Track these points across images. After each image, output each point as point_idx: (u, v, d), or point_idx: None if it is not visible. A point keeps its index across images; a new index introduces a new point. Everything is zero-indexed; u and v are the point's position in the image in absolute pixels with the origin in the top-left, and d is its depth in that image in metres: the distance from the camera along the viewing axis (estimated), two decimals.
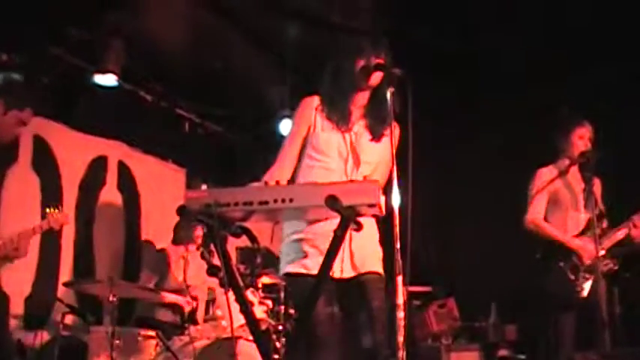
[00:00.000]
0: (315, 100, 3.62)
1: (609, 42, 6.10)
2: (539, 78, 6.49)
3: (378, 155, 3.57)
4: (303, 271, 3.42)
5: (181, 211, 2.88)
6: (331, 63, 3.63)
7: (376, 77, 3.48)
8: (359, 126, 3.60)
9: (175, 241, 6.23)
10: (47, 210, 4.67)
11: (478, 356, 6.44)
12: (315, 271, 3.26)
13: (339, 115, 3.55)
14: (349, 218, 2.83)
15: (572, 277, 4.99)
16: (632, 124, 6.11)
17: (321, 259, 3.04)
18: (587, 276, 4.96)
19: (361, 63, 3.49)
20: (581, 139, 5.17)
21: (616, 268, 4.94)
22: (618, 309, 4.91)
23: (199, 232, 5.99)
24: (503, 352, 6.58)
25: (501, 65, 6.44)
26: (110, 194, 6.65)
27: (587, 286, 4.95)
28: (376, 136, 3.58)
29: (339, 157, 3.53)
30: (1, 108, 4.06)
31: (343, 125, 3.55)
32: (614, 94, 6.28)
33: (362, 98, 3.60)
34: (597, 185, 5.24)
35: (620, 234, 5.04)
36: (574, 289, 4.96)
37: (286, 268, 3.51)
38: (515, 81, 6.54)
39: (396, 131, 3.53)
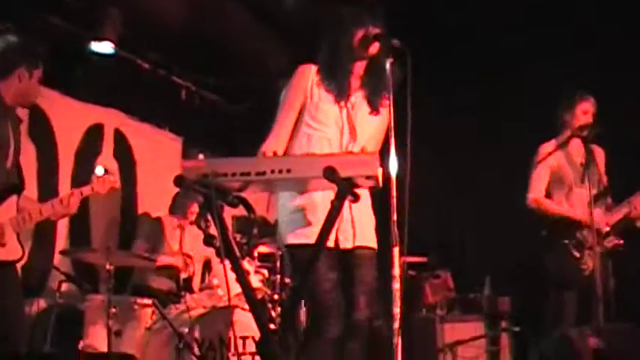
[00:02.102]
0: (312, 70, 3.59)
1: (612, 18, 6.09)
2: (540, 53, 6.46)
3: (374, 128, 3.57)
4: (305, 241, 3.40)
5: (178, 180, 2.87)
6: (329, 34, 3.60)
7: (374, 47, 3.47)
8: (357, 97, 3.60)
9: (172, 212, 6.23)
10: (96, 172, 4.59)
11: (475, 327, 6.46)
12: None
13: (337, 88, 3.53)
14: (346, 190, 2.83)
15: (577, 254, 5.01)
16: (633, 100, 6.10)
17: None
18: (591, 253, 4.97)
19: (360, 33, 3.48)
20: (585, 113, 5.17)
21: (621, 243, 4.94)
22: (612, 283, 4.92)
23: (195, 208, 5.95)
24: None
25: (502, 40, 6.41)
26: (106, 162, 6.61)
27: (590, 263, 4.96)
28: (374, 109, 3.58)
29: (336, 128, 3.54)
30: (26, 74, 4.06)
31: (341, 97, 3.54)
32: (615, 70, 6.27)
33: (360, 69, 3.59)
34: (600, 156, 5.22)
35: (621, 213, 5.05)
36: (578, 267, 4.98)
37: (288, 239, 3.50)
38: (516, 56, 6.51)
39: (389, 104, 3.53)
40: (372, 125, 3.58)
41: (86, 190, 4.44)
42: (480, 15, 6.28)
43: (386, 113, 3.55)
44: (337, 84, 3.54)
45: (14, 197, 4.03)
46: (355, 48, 3.49)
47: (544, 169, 5.18)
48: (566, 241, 5.03)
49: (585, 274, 4.95)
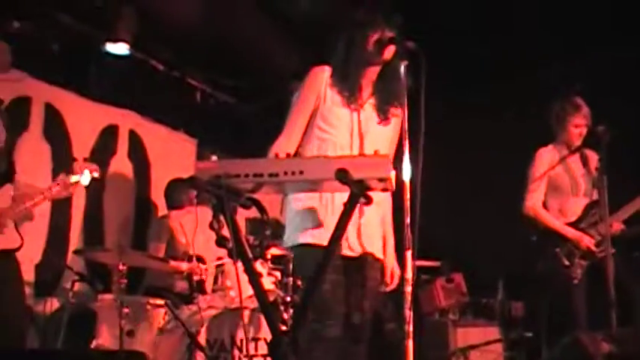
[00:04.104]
0: (326, 71, 3.58)
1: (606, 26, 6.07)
2: (557, 55, 6.43)
3: (384, 138, 3.56)
4: (313, 241, 3.41)
5: (191, 181, 2.88)
6: (344, 35, 3.58)
7: (389, 51, 3.45)
8: (369, 105, 3.58)
9: (172, 206, 6.22)
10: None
11: (487, 332, 6.43)
12: (325, 242, 3.26)
13: (349, 91, 3.52)
14: (359, 192, 2.83)
15: (568, 262, 4.98)
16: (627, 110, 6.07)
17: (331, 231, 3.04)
18: (582, 262, 4.97)
19: (375, 36, 3.46)
20: (578, 127, 5.12)
21: (613, 251, 4.84)
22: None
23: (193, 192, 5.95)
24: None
25: (516, 41, 6.38)
26: (121, 163, 6.67)
27: (580, 272, 4.95)
28: (384, 117, 3.56)
29: (347, 133, 3.52)
30: None
31: (353, 102, 3.53)
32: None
33: (373, 73, 3.57)
34: (594, 161, 5.14)
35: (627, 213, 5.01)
36: (568, 275, 4.95)
37: (297, 238, 3.50)
38: (531, 58, 6.48)
39: (402, 116, 3.53)
40: (382, 135, 3.57)
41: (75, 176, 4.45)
42: (490, 16, 6.25)
43: (397, 123, 3.56)
44: (349, 86, 3.52)
45: (8, 186, 4.02)
46: (369, 51, 3.47)
47: (542, 177, 5.14)
48: (557, 249, 5.00)
49: (574, 283, 4.93)
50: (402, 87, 3.29)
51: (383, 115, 3.57)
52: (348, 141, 3.52)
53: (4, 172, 4.08)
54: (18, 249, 4.04)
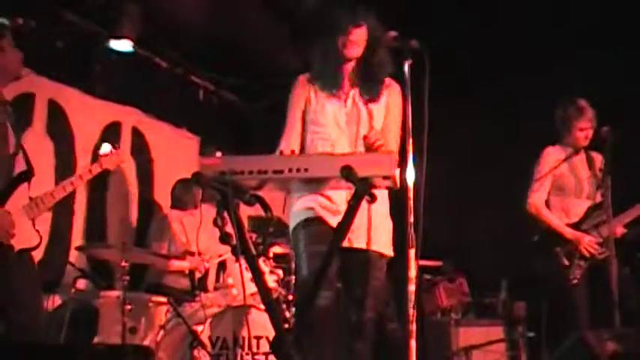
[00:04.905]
0: (307, 77, 3.70)
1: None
2: (559, 54, 6.41)
3: (375, 117, 3.60)
4: (312, 215, 3.48)
5: (196, 177, 2.88)
6: (319, 37, 3.68)
7: (353, 50, 3.54)
8: (354, 92, 3.64)
9: (176, 206, 6.22)
10: (101, 151, 4.56)
11: (490, 332, 6.42)
12: (332, 222, 3.34)
13: (331, 83, 3.61)
14: (363, 190, 2.82)
15: (567, 262, 4.97)
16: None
17: (337, 217, 3.06)
18: (581, 263, 4.95)
19: (344, 34, 3.53)
20: (582, 131, 5.09)
21: (613, 254, 4.82)
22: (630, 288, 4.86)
23: (199, 193, 5.97)
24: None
25: (521, 41, 6.37)
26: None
27: (579, 272, 4.94)
28: (373, 95, 3.62)
29: (336, 126, 3.58)
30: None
31: (337, 92, 3.61)
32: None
33: (349, 69, 3.65)
34: (599, 163, 5.13)
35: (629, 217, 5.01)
36: (567, 275, 4.94)
37: (303, 217, 3.53)
38: (536, 58, 6.46)
39: (397, 90, 3.63)
40: (375, 117, 3.60)
41: (95, 169, 4.42)
42: (496, 14, 6.24)
43: (385, 101, 3.65)
44: (330, 80, 3.61)
45: (25, 185, 4.02)
46: (339, 49, 3.56)
47: (547, 176, 5.12)
48: (558, 248, 4.99)
49: (573, 283, 4.92)
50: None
51: (370, 95, 3.63)
52: (337, 133, 3.57)
53: (23, 171, 4.07)
54: (35, 248, 4.03)
